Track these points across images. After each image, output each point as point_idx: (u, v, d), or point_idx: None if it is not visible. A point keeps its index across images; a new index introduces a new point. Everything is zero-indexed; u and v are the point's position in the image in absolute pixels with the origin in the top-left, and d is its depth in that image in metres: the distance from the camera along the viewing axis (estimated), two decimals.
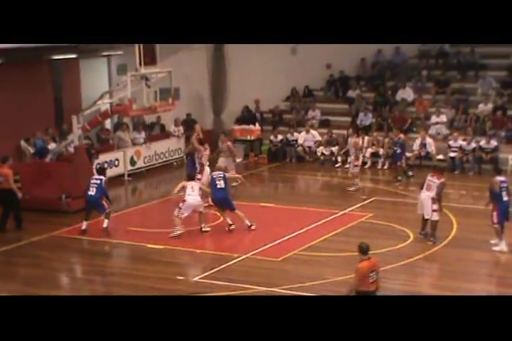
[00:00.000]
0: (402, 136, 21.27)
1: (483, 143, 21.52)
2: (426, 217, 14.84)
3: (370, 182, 21.01)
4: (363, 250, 9.92)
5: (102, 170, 16.33)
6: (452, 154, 21.61)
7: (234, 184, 18.50)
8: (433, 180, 14.72)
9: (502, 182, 14.33)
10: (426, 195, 14.78)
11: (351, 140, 20.06)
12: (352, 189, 19.36)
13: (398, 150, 20.95)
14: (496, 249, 14.36)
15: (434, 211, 14.67)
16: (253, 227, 15.81)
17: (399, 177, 20.62)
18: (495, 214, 14.25)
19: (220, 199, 15.85)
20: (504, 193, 14.26)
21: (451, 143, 21.75)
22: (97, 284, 13.16)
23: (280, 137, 23.99)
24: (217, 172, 16.14)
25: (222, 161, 18.76)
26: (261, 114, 25.84)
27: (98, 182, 15.72)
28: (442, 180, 14.77)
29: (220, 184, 15.82)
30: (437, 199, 14.65)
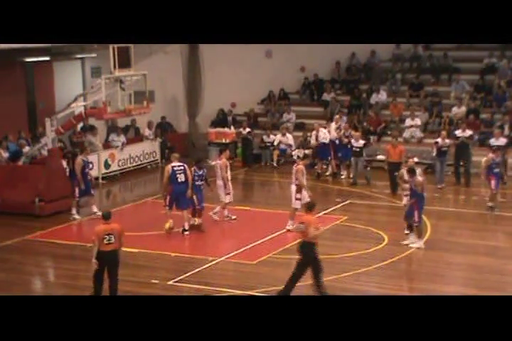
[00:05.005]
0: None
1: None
2: None
3: (345, 185, 21.03)
4: (104, 216, 11.56)
5: (200, 163, 16.28)
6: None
7: None
8: None
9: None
10: None
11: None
12: None
13: (496, 170, 17.36)
14: (414, 246, 14.65)
15: None
16: (186, 233, 15.60)
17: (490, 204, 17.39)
18: (416, 212, 14.52)
19: (177, 194, 15.53)
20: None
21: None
22: (70, 288, 13.02)
23: (248, 129, 23.63)
24: (177, 164, 15.62)
25: None
26: (234, 117, 25.76)
27: (201, 172, 15.92)
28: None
29: (181, 177, 15.51)
30: None
